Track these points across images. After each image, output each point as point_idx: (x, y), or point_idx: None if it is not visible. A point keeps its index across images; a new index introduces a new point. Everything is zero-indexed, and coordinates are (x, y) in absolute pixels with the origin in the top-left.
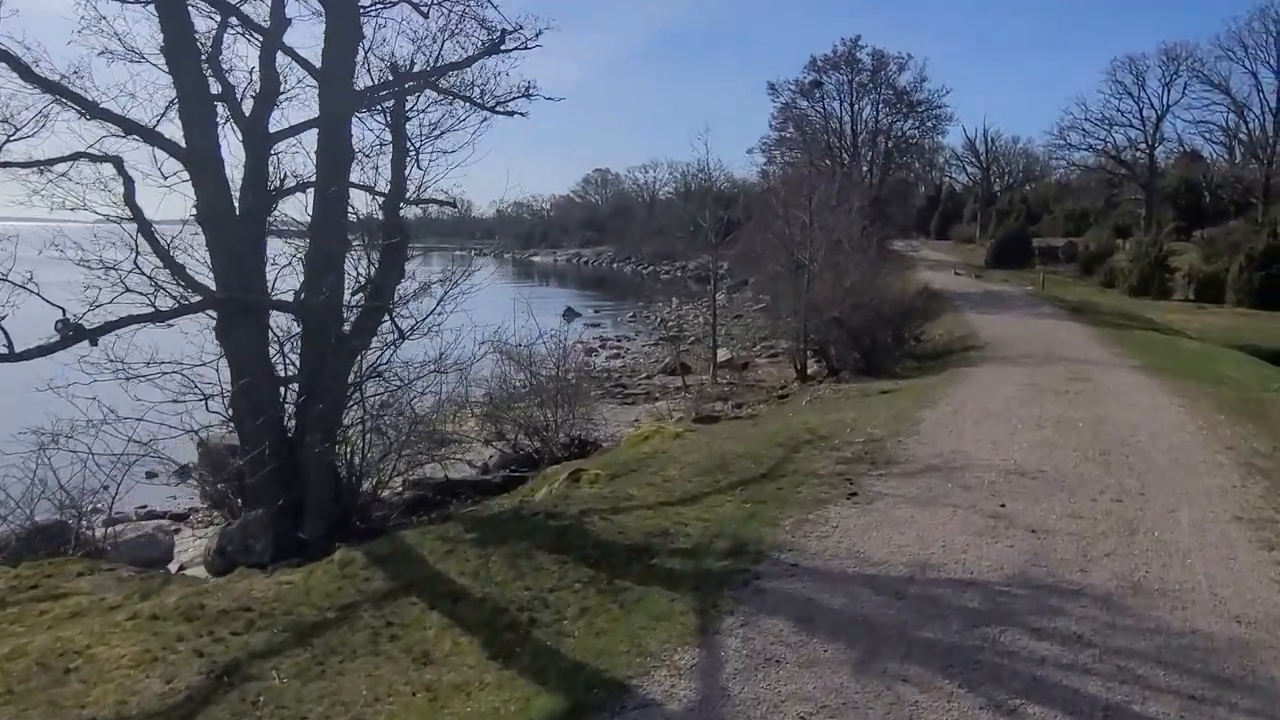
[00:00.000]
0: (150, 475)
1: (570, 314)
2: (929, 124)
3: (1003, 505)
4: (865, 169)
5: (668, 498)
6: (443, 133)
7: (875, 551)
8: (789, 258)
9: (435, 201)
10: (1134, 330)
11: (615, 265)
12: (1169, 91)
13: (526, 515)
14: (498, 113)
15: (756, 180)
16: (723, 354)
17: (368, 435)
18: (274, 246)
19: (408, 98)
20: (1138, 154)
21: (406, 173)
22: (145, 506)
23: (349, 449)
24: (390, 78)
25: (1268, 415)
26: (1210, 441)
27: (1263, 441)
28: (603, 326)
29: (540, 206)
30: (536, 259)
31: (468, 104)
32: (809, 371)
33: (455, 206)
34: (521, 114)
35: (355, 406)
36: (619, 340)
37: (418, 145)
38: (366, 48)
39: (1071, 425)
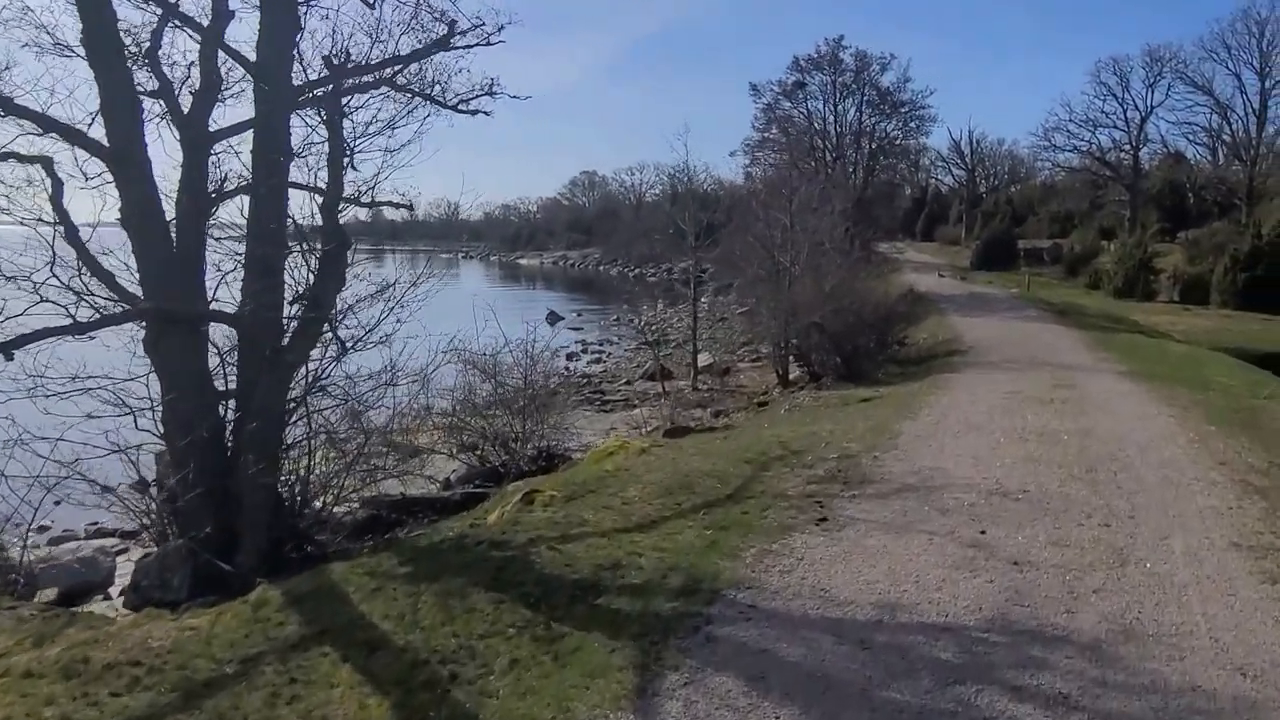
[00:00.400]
0: (105, 490)
1: (553, 317)
2: (912, 124)
3: (983, 532)
4: (849, 170)
5: (624, 523)
6: (393, 130)
7: (842, 589)
8: (770, 261)
9: (387, 204)
10: (1119, 333)
11: (601, 268)
12: (1153, 93)
13: (469, 544)
14: (460, 111)
15: (742, 182)
16: (705, 359)
17: (314, 453)
18: (223, 252)
19: (358, 95)
20: (1122, 155)
21: (344, 172)
22: (97, 524)
23: (293, 469)
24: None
25: (1260, 425)
26: (1202, 456)
27: (1257, 456)
28: (585, 330)
29: (527, 209)
30: (523, 261)
31: (427, 102)
32: (791, 377)
33: (410, 209)
34: (485, 113)
35: (300, 423)
36: (601, 344)
37: (355, 143)
38: (320, 44)
39: (1056, 438)
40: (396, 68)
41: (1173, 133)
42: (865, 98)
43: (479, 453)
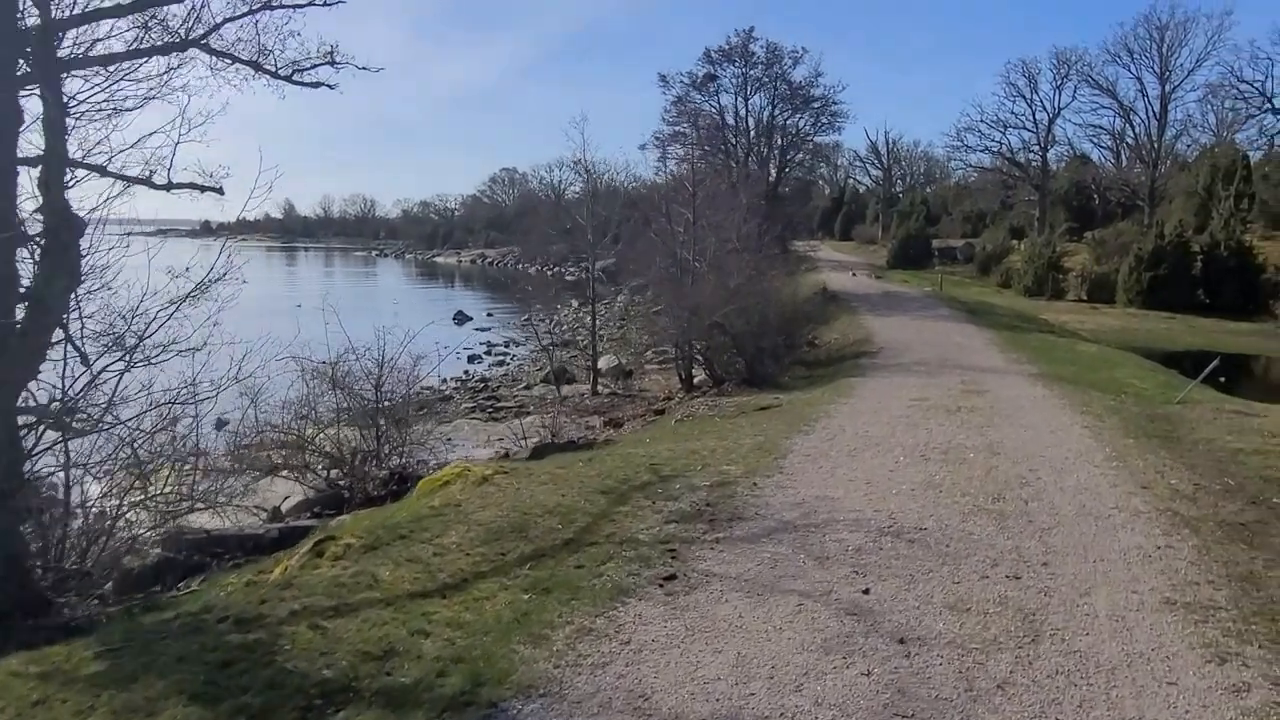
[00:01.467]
0: None
1: (461, 318)
2: (824, 120)
3: (866, 591)
4: (760, 166)
5: (426, 584)
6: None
7: (668, 695)
8: (672, 258)
9: (189, 186)
10: (1030, 333)
11: (520, 266)
12: (1060, 95)
13: (208, 623)
14: (294, 82)
15: (653, 177)
16: (610, 361)
17: (83, 486)
18: None
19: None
20: (1031, 156)
21: (66, 137)
22: None
23: (47, 513)
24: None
25: (1179, 438)
26: (1122, 478)
27: (1180, 476)
28: (495, 331)
29: (447, 206)
30: (440, 260)
31: (254, 70)
32: (696, 381)
33: (220, 192)
34: (327, 85)
35: (45, 453)
36: (508, 346)
37: (71, 108)
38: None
39: (962, 456)
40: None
41: (1078, 135)
42: (777, 92)
43: (325, 475)
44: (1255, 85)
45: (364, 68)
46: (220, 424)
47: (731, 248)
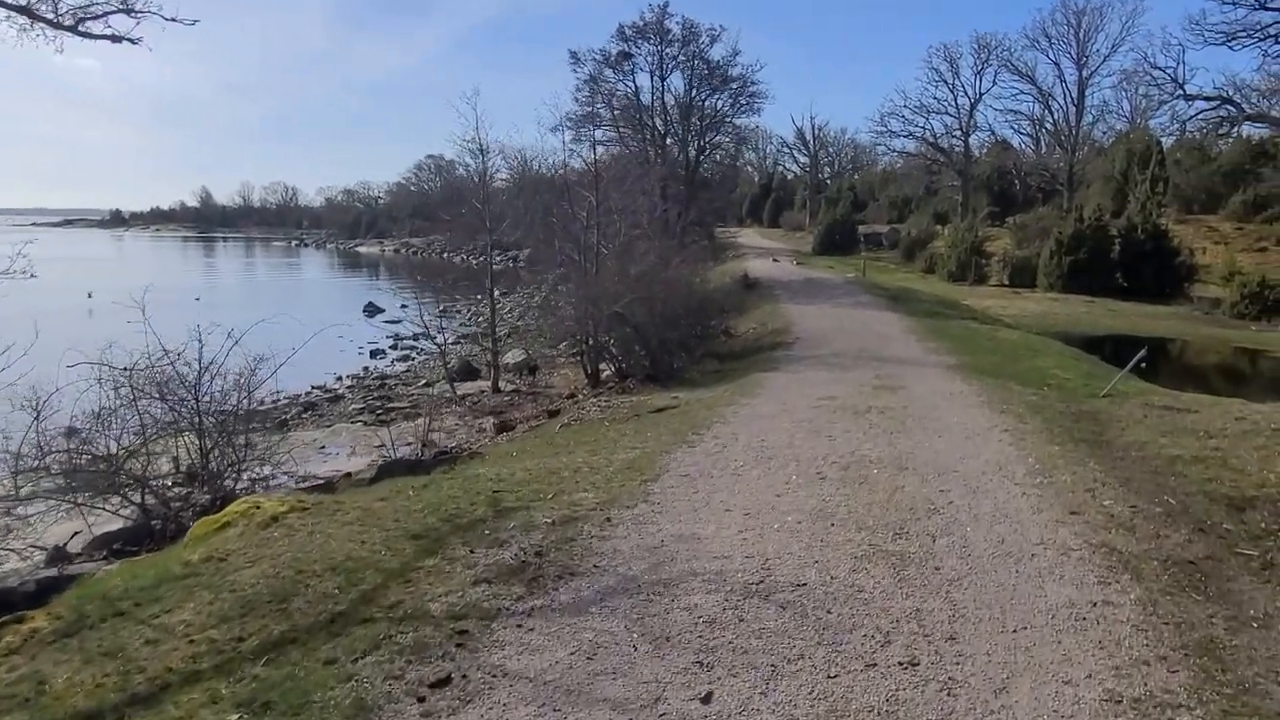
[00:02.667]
0: None
1: (372, 309)
2: (743, 101)
3: (707, 699)
4: (680, 148)
5: (110, 695)
6: None
7: None
8: (576, 244)
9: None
10: (951, 320)
11: (445, 255)
12: (981, 80)
13: None
14: (80, 34)
15: (566, 161)
16: (518, 355)
17: None
18: None
19: None
20: (954, 141)
21: None
22: None
23: None
24: None
25: (1109, 441)
26: (1047, 499)
27: (1114, 494)
28: (404, 323)
29: (371, 194)
30: (362, 249)
31: (28, 19)
32: (604, 375)
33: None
34: (129, 40)
35: None
36: (416, 339)
37: None
38: None
39: (864, 473)
40: None
41: (999, 120)
42: (694, 71)
43: (139, 502)
44: (1167, 72)
45: (173, 19)
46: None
47: (640, 233)
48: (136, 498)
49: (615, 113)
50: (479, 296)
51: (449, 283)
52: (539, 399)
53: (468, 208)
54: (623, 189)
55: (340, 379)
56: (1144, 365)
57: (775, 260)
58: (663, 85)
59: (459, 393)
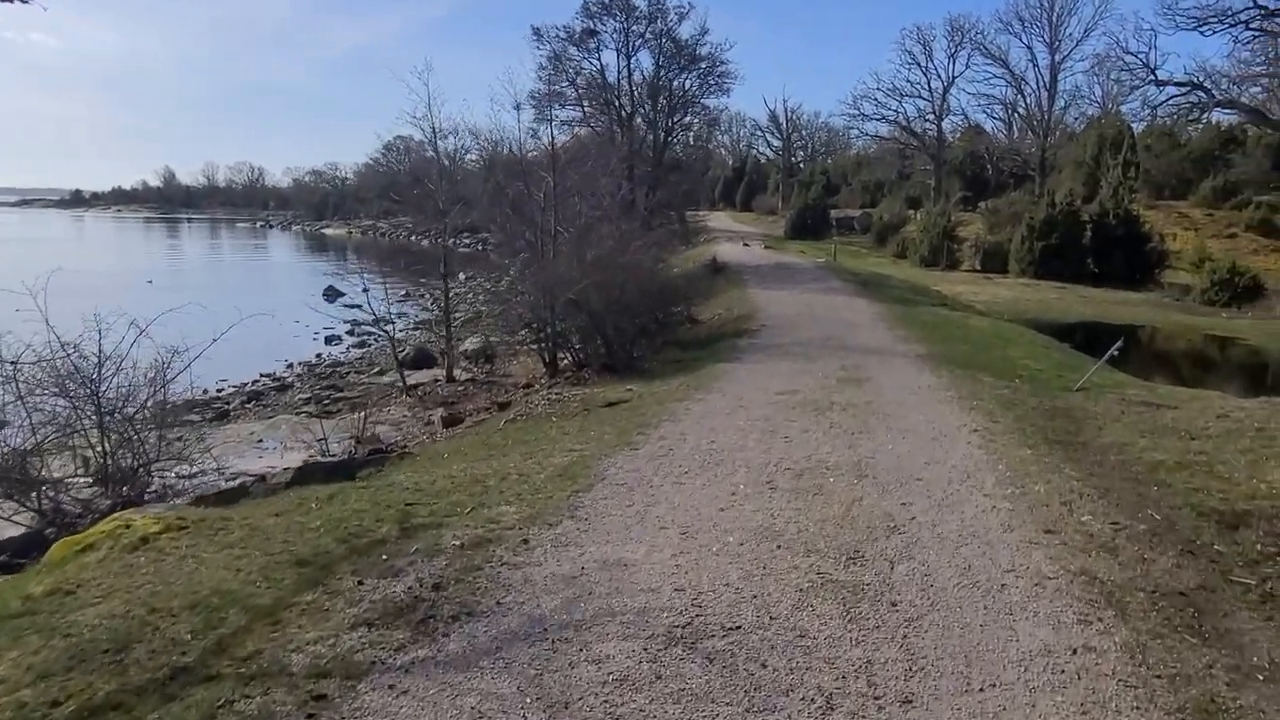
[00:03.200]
0: None
1: (332, 293)
2: (712, 81)
3: None
4: (648, 128)
5: None
6: None
7: None
8: (534, 227)
9: None
10: (922, 306)
11: (414, 238)
12: (954, 63)
13: None
14: None
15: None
16: (478, 342)
17: None
18: None
19: None
20: (927, 125)
21: None
22: None
23: None
24: None
25: (1085, 443)
26: (1019, 513)
27: (1092, 507)
28: (363, 308)
29: (339, 175)
30: (328, 231)
31: None
32: (562, 364)
33: None
34: None
35: None
36: (374, 324)
37: None
38: None
39: (819, 482)
40: None
41: (972, 105)
42: (662, 49)
43: (38, 506)
44: (1139, 57)
45: None
46: None
47: (601, 216)
48: (34, 502)
49: (580, 92)
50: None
51: (405, 266)
52: (494, 389)
53: (420, 189)
54: (583, 170)
55: (291, 366)
56: (1116, 354)
57: (745, 244)
58: (629, 64)
59: (411, 382)
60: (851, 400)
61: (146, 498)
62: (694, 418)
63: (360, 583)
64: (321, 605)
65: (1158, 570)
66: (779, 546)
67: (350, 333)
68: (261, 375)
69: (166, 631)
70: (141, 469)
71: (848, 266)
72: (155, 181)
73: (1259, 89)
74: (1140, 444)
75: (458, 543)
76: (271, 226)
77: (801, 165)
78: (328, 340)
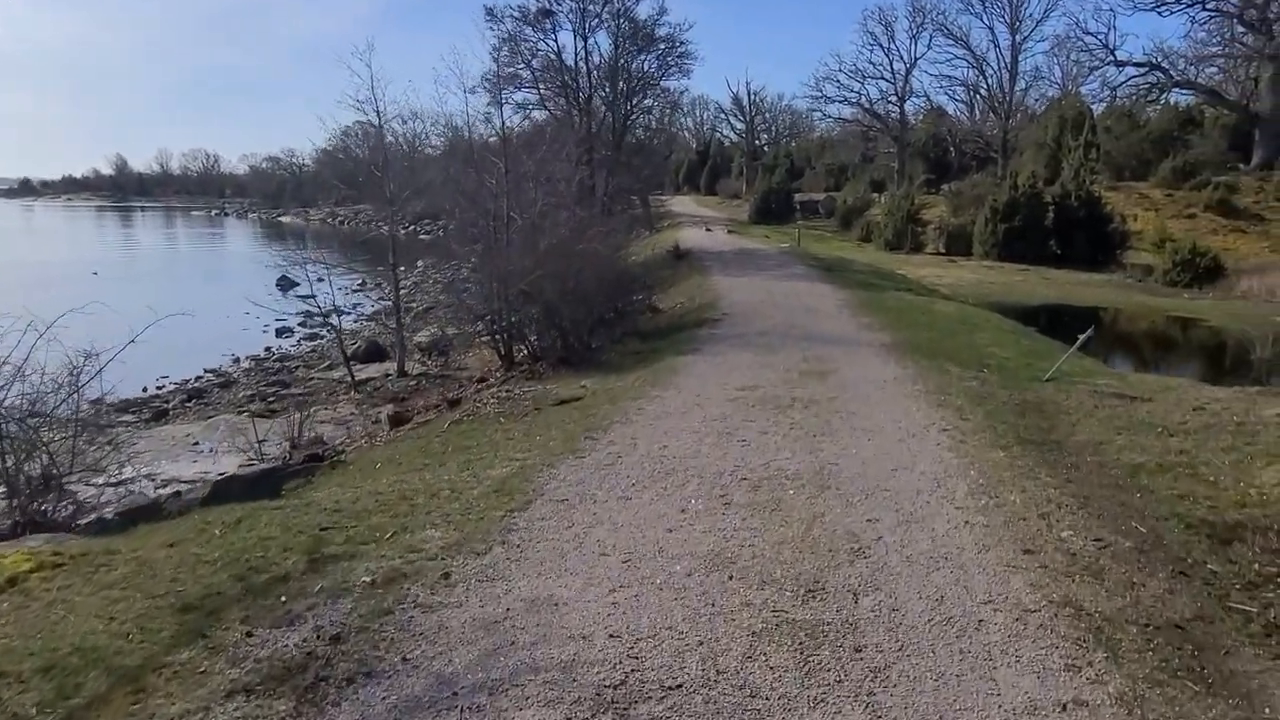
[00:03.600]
0: None
1: (286, 283)
2: (672, 62)
3: None
4: (608, 109)
5: None
6: None
7: None
8: (486, 214)
9: None
10: (887, 291)
11: (373, 225)
12: (916, 44)
13: None
14: None
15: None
16: (433, 334)
17: None
18: None
19: None
20: (890, 106)
21: None
22: None
23: None
24: None
25: (1060, 443)
26: (995, 529)
27: (1072, 519)
28: (320, 297)
29: (297, 162)
30: (285, 219)
31: None
32: (519, 357)
33: None
34: None
35: None
36: (328, 315)
37: None
38: None
39: (777, 497)
40: None
41: (935, 87)
42: (620, 30)
43: None
44: (1099, 38)
45: None
46: None
47: (555, 202)
48: None
49: (536, 74)
50: (404, 269)
51: (355, 255)
52: (447, 384)
53: (365, 175)
54: (538, 154)
55: (239, 361)
56: (1080, 336)
57: (708, 230)
58: (586, 45)
59: (362, 377)
60: (814, 396)
61: (60, 513)
62: (647, 419)
63: (249, 634)
64: (198, 665)
65: (1148, 597)
66: (731, 578)
67: (303, 324)
68: (206, 371)
69: (9, 703)
70: (53, 482)
71: (812, 251)
72: (107, 169)
73: (1215, 69)
74: (1117, 442)
75: (369, 579)
76: (227, 215)
77: (766, 148)
78: (279, 333)
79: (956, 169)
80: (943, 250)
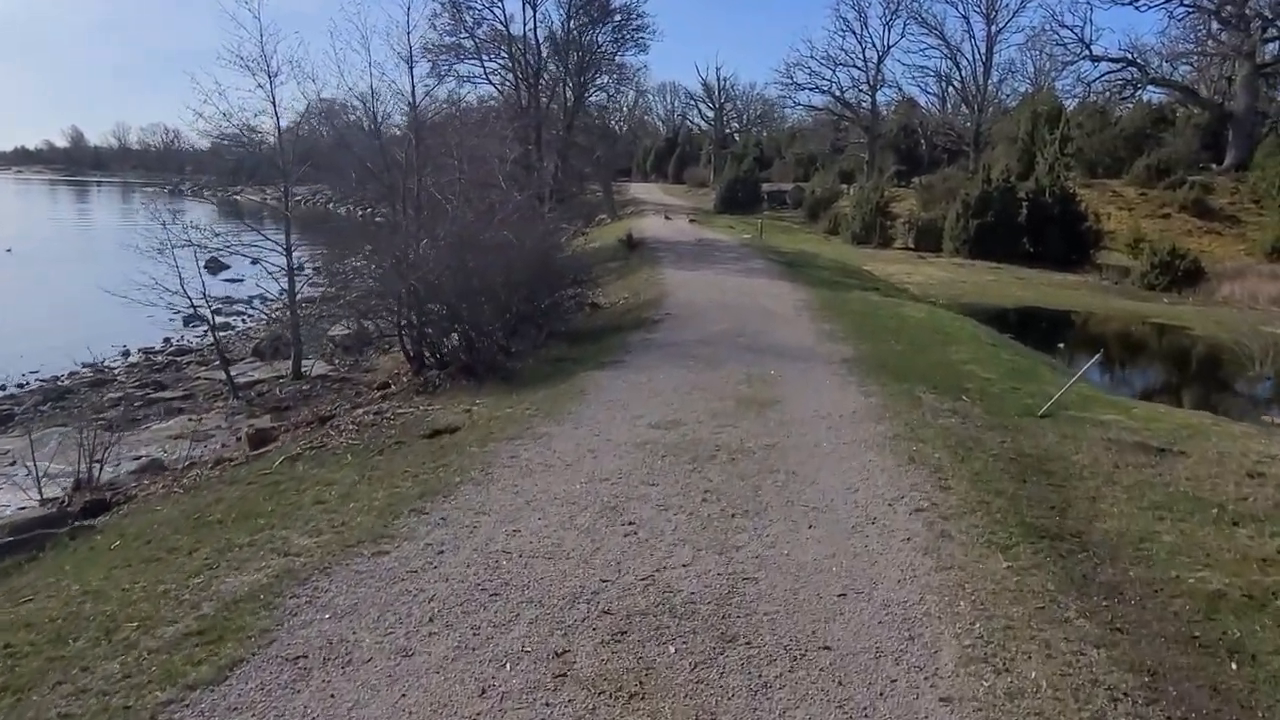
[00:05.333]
0: None
1: (215, 265)
2: (628, 35)
3: None
4: (555, 88)
5: None
6: None
7: None
8: (395, 196)
9: None
10: (852, 291)
11: (331, 206)
12: (889, 32)
13: None
14: None
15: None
16: (346, 328)
17: None
18: None
19: None
20: (861, 94)
21: None
22: None
23: None
24: None
25: (1083, 535)
26: None
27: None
28: (245, 282)
29: (258, 139)
30: (239, 198)
31: None
32: (428, 361)
33: None
34: None
35: None
36: (249, 303)
37: None
38: None
39: (649, 657)
40: None
41: (906, 77)
42: (572, 1)
43: None
44: (1075, 31)
45: None
46: None
47: (482, 181)
48: None
49: (480, 43)
50: (346, 254)
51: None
52: (344, 390)
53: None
54: (463, 130)
55: (128, 354)
56: (1060, 346)
57: (668, 218)
58: (535, 14)
59: (256, 377)
60: (747, 440)
61: None
62: (514, 476)
63: None
64: None
65: None
66: None
67: (217, 312)
68: (82, 366)
69: None
70: None
71: (774, 244)
72: (62, 142)
73: (1189, 68)
74: (1165, 540)
75: None
76: (184, 192)
77: (736, 136)
78: (186, 321)
79: (927, 162)
80: (912, 245)
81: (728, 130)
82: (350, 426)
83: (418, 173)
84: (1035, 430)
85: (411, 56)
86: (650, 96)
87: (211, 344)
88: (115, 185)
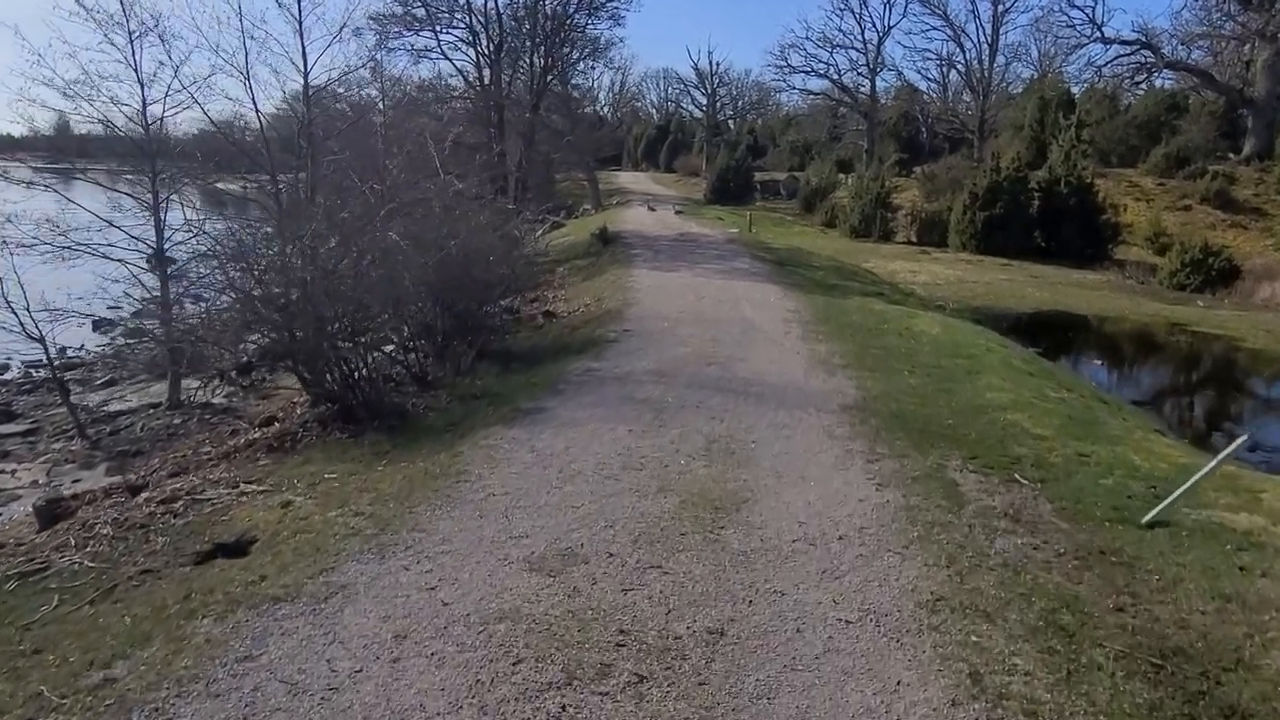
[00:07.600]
0: None
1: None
2: (600, 5)
3: None
4: (519, 62)
5: None
6: None
7: None
8: (290, 185)
9: None
10: (851, 297)
11: (316, 195)
12: (890, 11)
13: None
14: None
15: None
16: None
17: None
18: None
19: None
20: (859, 78)
21: None
22: None
23: None
24: None
25: None
26: None
27: None
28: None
29: (243, 125)
30: (221, 185)
31: None
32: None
33: None
34: None
35: None
36: (196, 302)
37: None
38: None
39: None
40: None
41: (907, 61)
42: None
43: None
44: (1085, 11)
45: None
46: None
47: (410, 165)
48: None
49: (432, 11)
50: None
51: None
52: (218, 429)
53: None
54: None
55: (5, 368)
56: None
57: (651, 209)
58: None
59: (128, 405)
60: (675, 615)
61: None
62: (236, 706)
63: None
64: None
65: None
66: None
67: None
68: None
69: None
70: None
71: (765, 240)
72: (48, 129)
73: (1202, 51)
74: None
75: None
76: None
77: (730, 123)
78: (96, 325)
79: (928, 151)
80: (915, 240)
81: (721, 117)
82: (105, 529)
83: (311, 157)
84: (1157, 564)
85: (300, 17)
86: (643, 83)
87: (116, 353)
88: (101, 172)
